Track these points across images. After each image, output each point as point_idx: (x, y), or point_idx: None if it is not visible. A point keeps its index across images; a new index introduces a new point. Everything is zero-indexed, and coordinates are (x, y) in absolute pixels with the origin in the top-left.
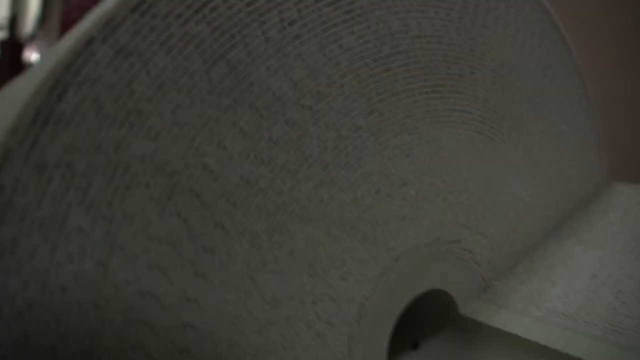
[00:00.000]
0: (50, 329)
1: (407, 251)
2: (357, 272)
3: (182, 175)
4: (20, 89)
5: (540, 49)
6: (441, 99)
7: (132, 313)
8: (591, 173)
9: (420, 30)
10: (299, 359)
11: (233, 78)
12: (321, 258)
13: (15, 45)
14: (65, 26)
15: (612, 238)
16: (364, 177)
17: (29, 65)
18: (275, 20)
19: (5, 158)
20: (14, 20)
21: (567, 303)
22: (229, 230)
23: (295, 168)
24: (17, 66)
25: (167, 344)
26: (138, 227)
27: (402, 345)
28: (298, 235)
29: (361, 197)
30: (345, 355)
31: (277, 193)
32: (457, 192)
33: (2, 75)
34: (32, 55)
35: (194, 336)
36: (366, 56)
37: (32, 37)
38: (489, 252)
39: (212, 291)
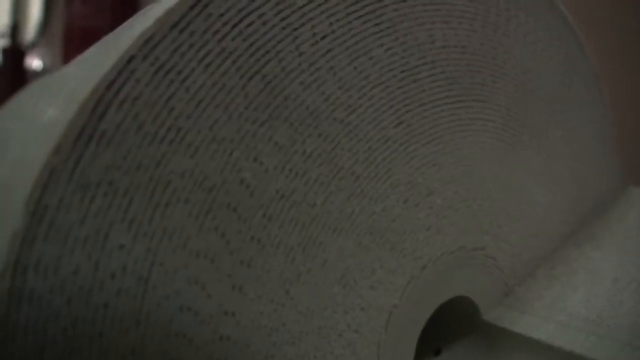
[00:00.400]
0: (93, 345)
1: (433, 259)
2: (386, 281)
3: (220, 191)
4: (52, 106)
5: (559, 56)
6: (465, 108)
7: (172, 327)
8: (607, 177)
9: (445, 41)
10: (330, 349)
11: (268, 93)
12: (352, 268)
13: (16, 52)
14: (68, 33)
15: (632, 242)
16: (392, 187)
17: (32, 72)
18: (308, 34)
19: (50, 177)
20: (15, 28)
21: (589, 308)
22: (264, 244)
23: (328, 180)
24: (19, 73)
25: (205, 358)
26: (178, 242)
27: (424, 352)
28: (330, 247)
29: (390, 207)
30: None
31: (310, 205)
32: (481, 199)
33: (3, 82)
34: (33, 62)
35: (231, 349)
36: (394, 68)
37: (34, 45)
38: (511, 258)
39: (249, 304)
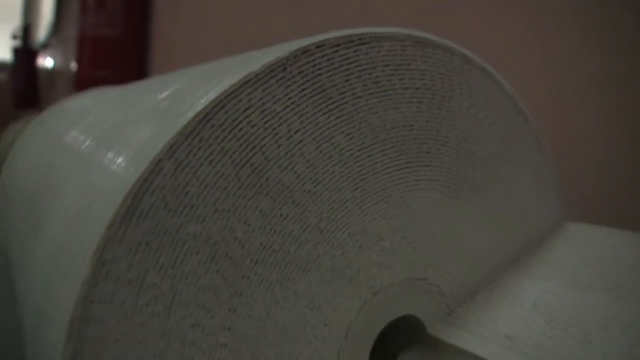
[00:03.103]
0: (133, 350)
1: (384, 287)
2: (344, 305)
3: (220, 245)
4: (104, 192)
5: (499, 122)
6: (412, 172)
7: (186, 338)
8: (546, 216)
9: (394, 123)
10: (302, 353)
11: (254, 176)
12: (318, 296)
13: (29, 52)
14: (81, 42)
15: (556, 272)
16: (350, 237)
17: (43, 71)
18: (284, 131)
19: (107, 242)
20: (27, 29)
21: (510, 327)
22: (252, 280)
23: (299, 234)
24: (31, 72)
25: (210, 355)
26: (191, 280)
27: (384, 357)
28: (300, 281)
29: (348, 251)
30: None
31: (285, 253)
32: (425, 241)
33: (17, 81)
34: (45, 61)
35: (227, 353)
36: (352, 148)
37: (45, 45)
38: (453, 285)
39: (240, 321)
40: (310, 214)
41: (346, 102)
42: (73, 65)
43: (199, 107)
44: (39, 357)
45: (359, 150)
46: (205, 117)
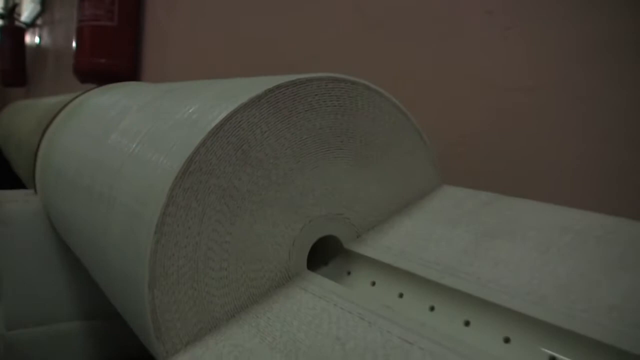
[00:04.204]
0: (185, 236)
1: (315, 218)
2: (292, 225)
3: (226, 190)
4: (161, 161)
5: (389, 122)
6: (331, 153)
7: (210, 236)
8: (426, 179)
9: (321, 126)
10: (269, 250)
11: (243, 155)
12: (277, 220)
13: (16, 31)
14: (80, 31)
15: (427, 214)
16: (295, 188)
17: (30, 47)
18: (259, 131)
19: (174, 186)
20: (14, 8)
21: (390, 241)
22: (242, 208)
23: (267, 185)
24: (19, 51)
25: (222, 249)
26: (212, 207)
27: (319, 263)
28: (267, 211)
29: (294, 196)
30: (287, 259)
31: (259, 195)
32: (340, 192)
33: (3, 59)
34: (34, 39)
35: (229, 245)
36: (296, 140)
37: (32, 24)
38: (360, 219)
39: (236, 229)
40: (273, 175)
41: (293, 116)
42: (72, 50)
43: (217, 121)
44: (134, 242)
45: (300, 141)
46: (220, 126)
